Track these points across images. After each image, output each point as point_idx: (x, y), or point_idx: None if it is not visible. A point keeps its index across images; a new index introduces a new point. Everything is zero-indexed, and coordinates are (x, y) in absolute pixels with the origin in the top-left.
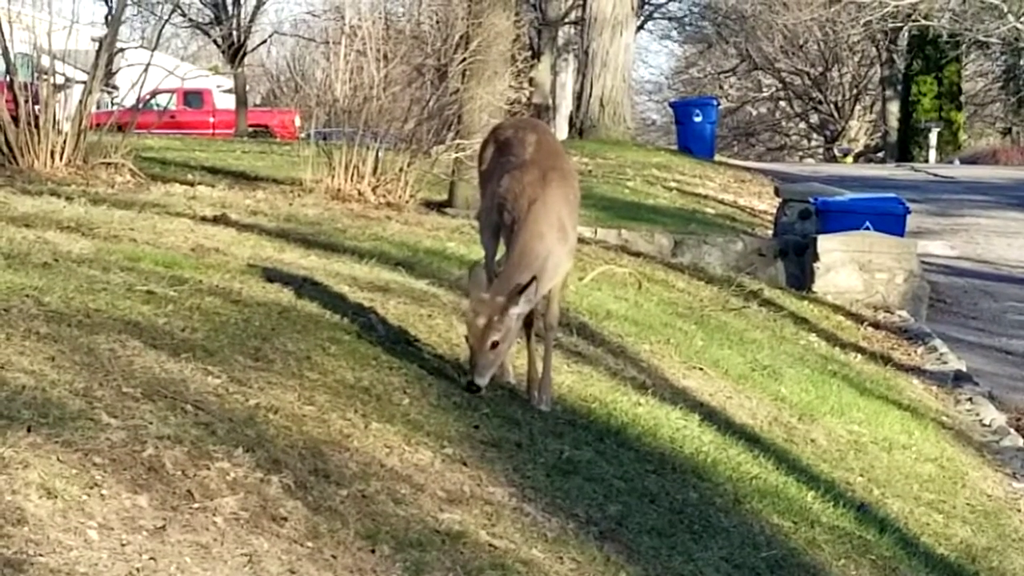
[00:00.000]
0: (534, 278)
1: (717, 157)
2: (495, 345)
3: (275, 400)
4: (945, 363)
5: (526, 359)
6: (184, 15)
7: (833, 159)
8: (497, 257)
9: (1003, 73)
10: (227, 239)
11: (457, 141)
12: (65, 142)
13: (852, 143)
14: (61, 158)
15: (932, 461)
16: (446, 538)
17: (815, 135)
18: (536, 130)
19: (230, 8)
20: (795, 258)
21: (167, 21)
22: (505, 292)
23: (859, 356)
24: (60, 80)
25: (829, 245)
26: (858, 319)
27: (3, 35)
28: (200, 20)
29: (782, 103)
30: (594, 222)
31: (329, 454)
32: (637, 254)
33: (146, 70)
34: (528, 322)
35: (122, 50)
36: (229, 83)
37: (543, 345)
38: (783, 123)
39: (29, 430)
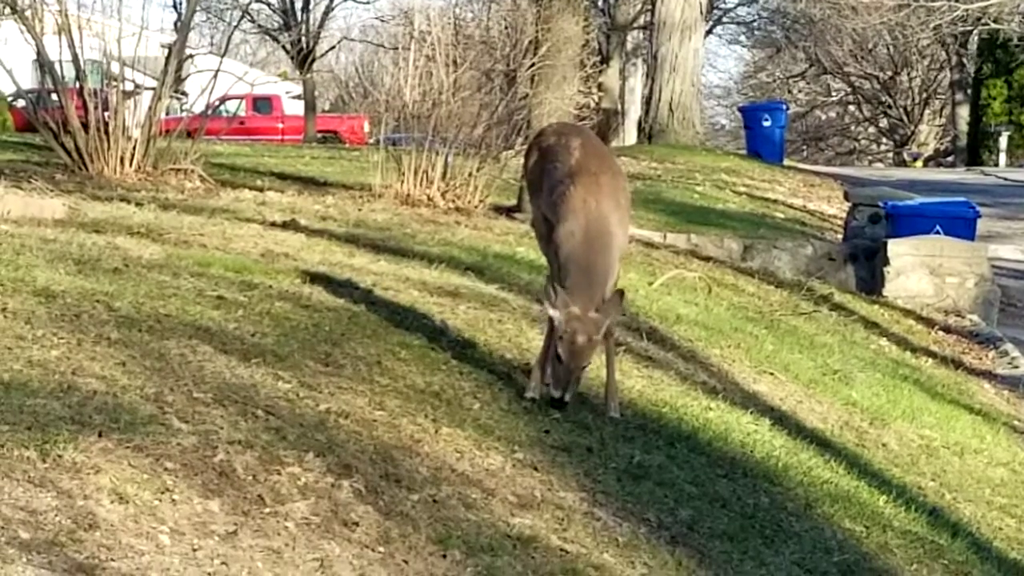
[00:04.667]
0: (622, 292)
1: (786, 161)
2: (587, 365)
3: (346, 405)
4: (1016, 367)
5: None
6: (253, 21)
7: (903, 163)
8: None
9: None
10: (296, 244)
11: (526, 146)
12: (135, 148)
13: (922, 147)
14: (131, 164)
15: (1004, 465)
16: (517, 543)
17: (884, 139)
18: (579, 134)
19: (299, 14)
20: (865, 262)
21: (236, 27)
22: (590, 306)
23: (930, 360)
24: (130, 86)
25: (899, 249)
26: (929, 323)
27: (73, 42)
28: (269, 26)
29: (851, 107)
30: (663, 226)
31: (400, 459)
32: (707, 258)
33: (215, 76)
34: None
35: (191, 56)
36: (298, 89)
37: (604, 351)
38: (852, 127)
39: (100, 435)
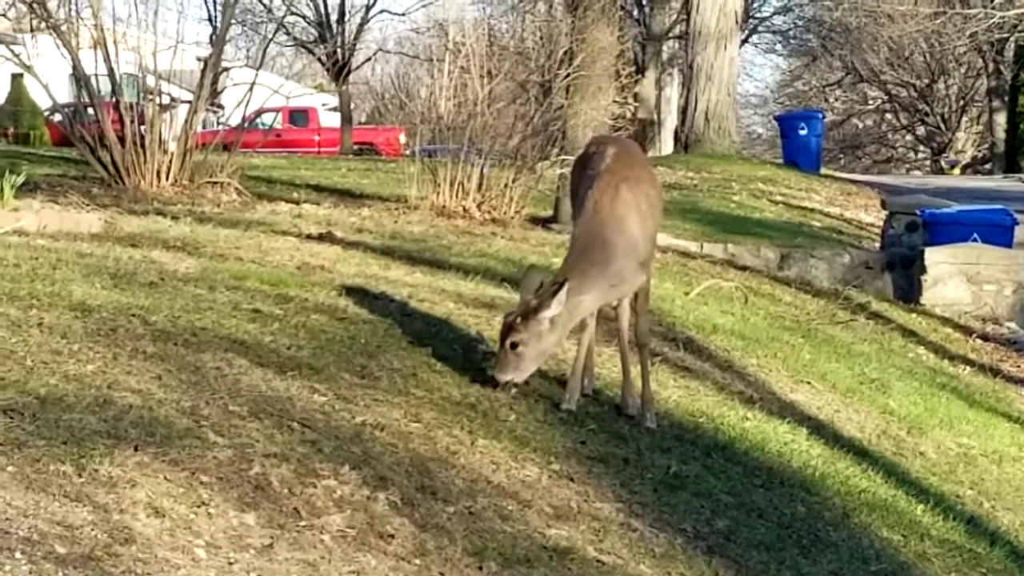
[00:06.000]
0: (564, 281)
1: (823, 170)
2: (515, 346)
3: (381, 417)
4: None
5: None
6: (289, 34)
7: (940, 171)
8: None
9: None
10: (333, 256)
11: (562, 157)
12: (171, 162)
13: (959, 155)
14: (167, 178)
15: None
16: (553, 554)
17: (922, 147)
18: (616, 143)
19: (334, 26)
20: (902, 271)
21: (271, 40)
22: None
23: (968, 368)
24: (166, 100)
25: (937, 257)
26: (966, 331)
27: (109, 56)
28: (305, 39)
29: (888, 115)
30: (700, 236)
31: (436, 471)
32: (743, 268)
33: (251, 89)
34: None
35: (227, 69)
36: (334, 101)
37: (639, 360)
38: (889, 135)
39: (136, 449)
